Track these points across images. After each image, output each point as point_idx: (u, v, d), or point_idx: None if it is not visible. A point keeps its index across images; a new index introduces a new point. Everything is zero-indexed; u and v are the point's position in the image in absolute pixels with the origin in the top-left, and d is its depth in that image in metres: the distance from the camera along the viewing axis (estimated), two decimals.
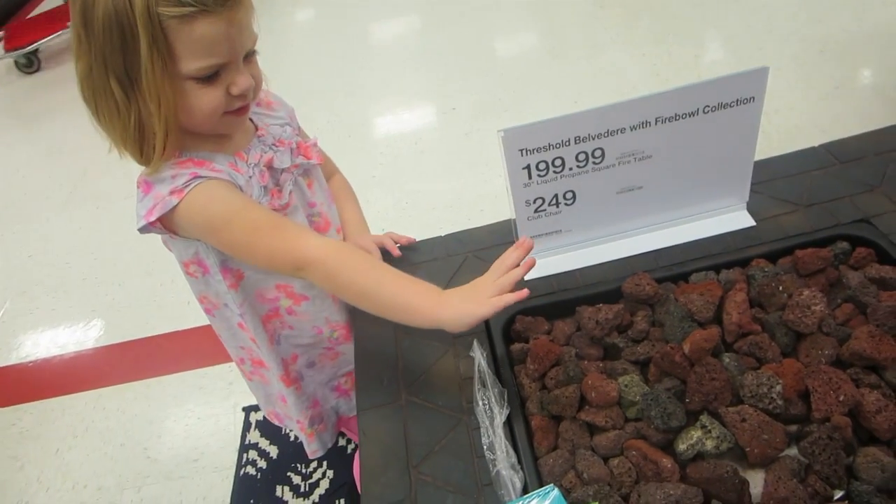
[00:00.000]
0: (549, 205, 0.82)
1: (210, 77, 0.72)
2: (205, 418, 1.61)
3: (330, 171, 1.05)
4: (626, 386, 0.67)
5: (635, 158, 0.78)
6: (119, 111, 0.72)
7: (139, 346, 1.83)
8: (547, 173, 0.78)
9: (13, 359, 1.91)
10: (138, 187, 0.78)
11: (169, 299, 1.94)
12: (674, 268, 0.80)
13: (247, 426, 1.56)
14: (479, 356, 0.73)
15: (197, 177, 0.75)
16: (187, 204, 0.74)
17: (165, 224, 0.77)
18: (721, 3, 2.64)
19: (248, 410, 1.60)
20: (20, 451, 1.64)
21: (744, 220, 0.85)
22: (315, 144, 0.93)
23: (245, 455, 1.49)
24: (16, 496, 1.54)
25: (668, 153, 0.79)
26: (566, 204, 0.82)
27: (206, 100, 0.73)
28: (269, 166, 0.85)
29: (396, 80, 2.71)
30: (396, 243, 0.98)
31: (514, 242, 0.72)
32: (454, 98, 2.48)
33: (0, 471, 1.61)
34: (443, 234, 0.98)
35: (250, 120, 0.87)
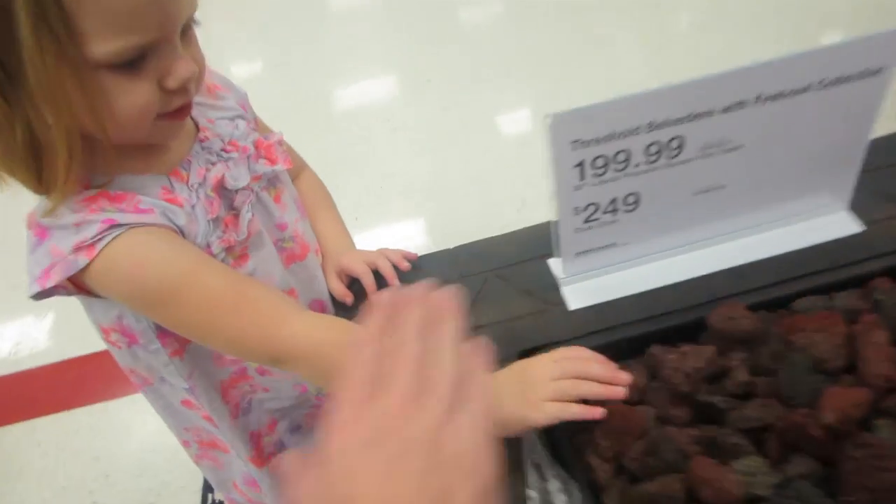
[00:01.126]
0: (605, 212, 0.62)
1: (133, 63, 0.49)
2: (160, 450, 1.38)
3: (296, 168, 0.79)
4: (749, 475, 0.48)
5: (722, 150, 0.59)
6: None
7: (79, 365, 1.59)
8: (605, 171, 0.58)
9: None
10: (29, 229, 0.54)
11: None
12: (769, 290, 0.61)
13: None
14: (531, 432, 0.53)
15: (114, 226, 0.53)
16: (103, 266, 0.53)
17: (74, 282, 0.54)
18: None
19: None
20: None
21: (848, 225, 0.66)
22: (280, 141, 0.70)
23: (210, 497, 1.28)
24: None
25: (762, 142, 0.60)
26: (626, 210, 0.62)
27: (131, 98, 0.50)
28: (220, 187, 0.61)
29: (362, 50, 2.45)
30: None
31: (550, 257, 0.52)
32: (427, 70, 2.25)
33: None
34: (451, 247, 0.77)
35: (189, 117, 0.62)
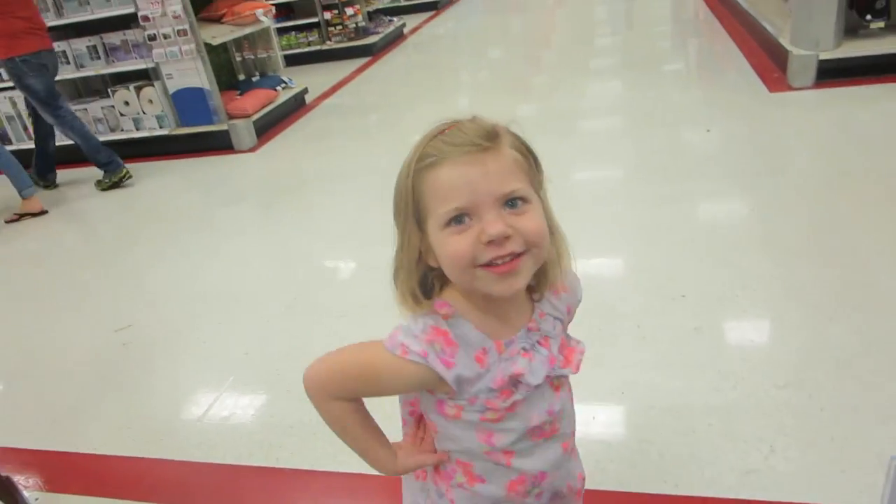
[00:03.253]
0: None
1: (459, 223, 0.73)
2: None
3: None
4: None
5: None
6: (399, 265, 0.81)
7: (328, 480, 1.80)
8: None
9: (209, 457, 1.96)
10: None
11: None
12: None
13: None
14: None
15: (424, 357, 0.78)
16: (391, 360, 0.80)
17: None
18: None
19: None
20: None
21: None
22: (582, 352, 0.87)
23: None
24: None
25: None
26: None
27: (454, 247, 0.73)
28: (516, 379, 0.81)
29: (621, 255, 2.63)
30: None
31: None
32: (682, 284, 2.33)
33: None
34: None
35: (533, 300, 0.86)
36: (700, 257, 2.48)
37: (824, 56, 3.76)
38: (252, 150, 4.64)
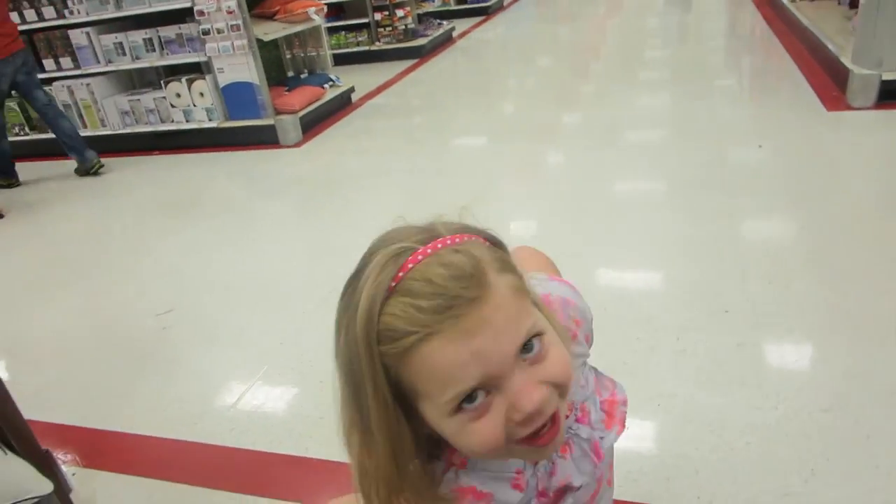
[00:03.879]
0: None
1: (474, 403, 0.55)
2: None
3: None
4: None
5: None
6: (357, 458, 0.62)
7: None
8: None
9: (240, 442, 1.98)
10: None
11: None
12: None
13: None
14: None
15: None
16: None
17: None
18: None
19: None
20: None
21: None
22: (625, 402, 0.76)
23: None
24: None
25: None
26: None
27: (481, 436, 0.56)
28: (564, 488, 0.69)
29: (665, 267, 2.58)
30: None
31: None
32: (726, 299, 2.28)
33: None
34: None
35: None
36: (746, 274, 2.42)
37: (887, 76, 3.64)
38: (297, 145, 4.71)
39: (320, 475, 1.80)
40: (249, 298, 2.78)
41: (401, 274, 0.55)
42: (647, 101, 4.71)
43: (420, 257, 0.55)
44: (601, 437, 0.71)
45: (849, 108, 3.78)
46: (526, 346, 0.56)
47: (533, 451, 0.60)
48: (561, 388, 0.58)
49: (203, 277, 3.04)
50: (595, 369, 0.78)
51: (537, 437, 0.57)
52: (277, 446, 1.93)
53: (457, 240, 0.58)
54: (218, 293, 2.87)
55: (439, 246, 0.56)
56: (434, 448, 0.64)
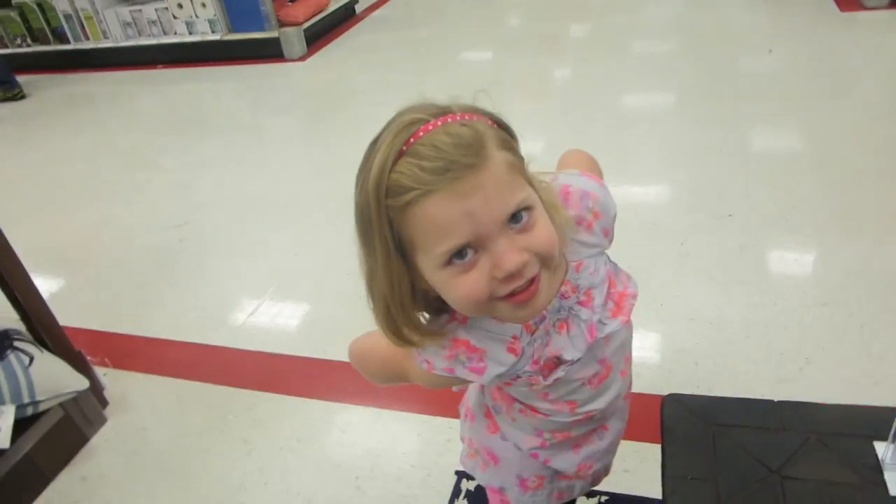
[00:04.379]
0: None
1: (462, 257, 0.62)
2: (418, 467, 1.60)
3: None
4: None
5: None
6: (388, 307, 0.69)
7: None
8: None
9: (261, 346, 2.08)
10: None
11: None
12: None
13: (456, 493, 1.53)
14: None
15: (451, 372, 0.74)
16: (419, 370, 0.77)
17: None
18: None
19: (460, 475, 1.57)
20: (251, 436, 1.76)
21: None
22: (635, 295, 0.79)
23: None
24: (239, 479, 1.65)
25: None
26: None
27: (465, 288, 0.64)
28: (556, 359, 0.74)
29: (671, 174, 2.60)
30: None
31: (875, 439, 0.58)
32: (730, 203, 2.31)
33: (230, 450, 1.73)
34: (775, 399, 0.86)
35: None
36: (752, 179, 2.44)
37: None
38: (301, 59, 4.64)
39: (340, 373, 1.91)
40: (261, 214, 2.83)
41: (412, 140, 0.61)
42: (656, 8, 4.57)
43: (430, 127, 0.62)
44: (603, 323, 0.76)
45: (862, 7, 3.68)
46: (515, 217, 0.63)
47: (513, 309, 0.67)
48: (544, 259, 0.65)
49: (214, 194, 3.09)
50: (615, 264, 0.83)
51: (515, 295, 0.65)
52: (297, 350, 2.03)
53: (466, 117, 0.64)
54: (230, 209, 2.92)
55: (449, 120, 0.63)
56: (442, 305, 0.71)
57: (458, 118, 0.63)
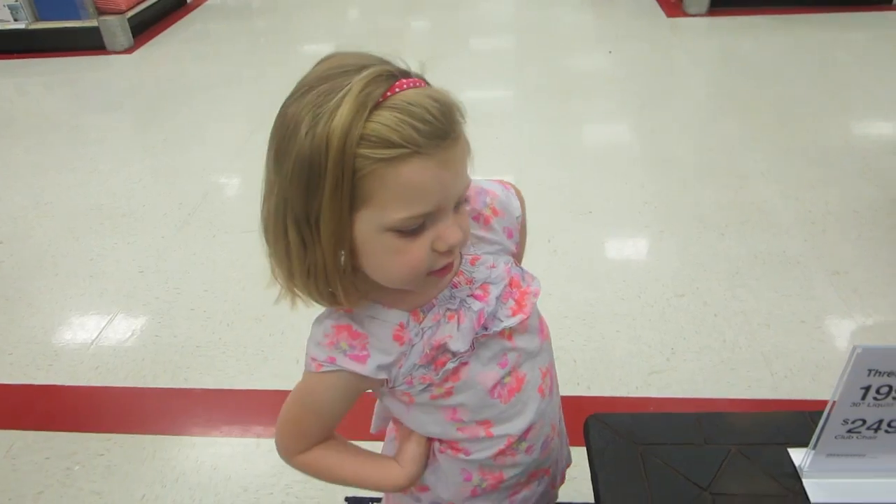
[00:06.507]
0: (868, 428, 0.71)
1: (415, 230, 0.61)
2: (303, 498, 1.49)
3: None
4: None
5: None
6: (290, 256, 0.64)
7: (241, 398, 1.75)
8: (885, 398, 0.68)
9: (108, 380, 1.84)
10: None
11: (277, 352, 1.86)
12: None
13: None
14: None
15: (333, 362, 0.70)
16: (313, 379, 0.73)
17: None
18: None
19: (351, 502, 1.48)
20: (104, 488, 1.55)
21: None
22: (537, 293, 0.76)
23: None
24: None
25: None
26: (886, 431, 0.71)
27: (409, 257, 0.62)
28: (441, 346, 0.71)
29: (527, 172, 2.66)
30: None
31: (788, 446, 0.64)
32: (588, 200, 2.41)
33: None
34: (692, 414, 0.87)
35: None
36: (604, 175, 2.56)
37: None
38: (128, 51, 4.19)
39: (205, 402, 1.73)
40: (95, 226, 2.51)
41: (390, 93, 0.58)
42: (490, 5, 4.68)
43: (408, 85, 0.60)
44: (499, 319, 0.74)
45: (685, 14, 4.02)
46: (458, 200, 0.64)
47: (432, 282, 0.67)
48: (462, 242, 0.66)
49: (34, 206, 2.69)
50: (522, 269, 0.80)
51: (443, 269, 0.66)
52: (153, 381, 1.82)
53: (427, 85, 0.63)
54: (54, 223, 2.56)
55: (422, 84, 0.62)
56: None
57: (427, 84, 0.63)
